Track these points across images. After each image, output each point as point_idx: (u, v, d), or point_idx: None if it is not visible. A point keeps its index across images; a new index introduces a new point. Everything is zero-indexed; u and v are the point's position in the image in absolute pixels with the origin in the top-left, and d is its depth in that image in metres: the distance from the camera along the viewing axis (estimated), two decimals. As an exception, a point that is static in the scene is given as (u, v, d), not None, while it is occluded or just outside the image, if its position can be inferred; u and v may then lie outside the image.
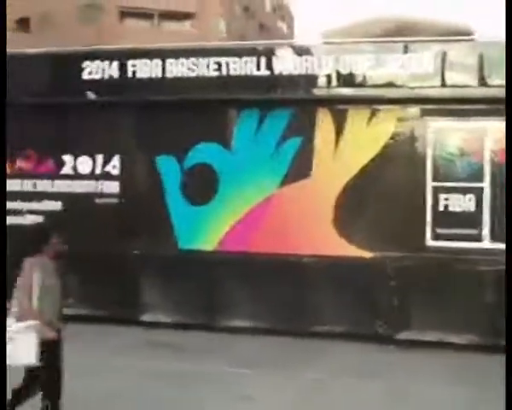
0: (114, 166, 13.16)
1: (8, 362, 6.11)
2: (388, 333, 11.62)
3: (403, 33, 13.17)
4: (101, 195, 13.19)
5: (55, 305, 6.65)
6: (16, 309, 6.44)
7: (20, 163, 13.56)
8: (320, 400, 8.65)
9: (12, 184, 13.48)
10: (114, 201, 13.16)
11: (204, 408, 8.20)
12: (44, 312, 6.42)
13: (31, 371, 6.47)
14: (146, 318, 12.77)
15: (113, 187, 13.15)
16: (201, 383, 9.02)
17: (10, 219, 13.42)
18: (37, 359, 6.19)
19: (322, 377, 9.45)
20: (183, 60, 12.96)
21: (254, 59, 12.63)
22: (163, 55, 13.21)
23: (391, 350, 11.13)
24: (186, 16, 49.96)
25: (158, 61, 13.04)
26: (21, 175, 13.53)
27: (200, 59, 12.88)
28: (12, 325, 6.24)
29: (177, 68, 12.95)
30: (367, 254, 11.77)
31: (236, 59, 12.68)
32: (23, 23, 51.17)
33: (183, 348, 11.05)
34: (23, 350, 6.09)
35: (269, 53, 12.65)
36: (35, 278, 6.45)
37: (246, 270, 12.34)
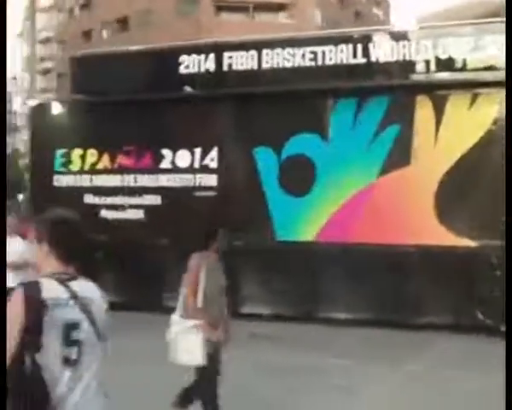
0: (212, 159, 13.25)
1: (172, 360, 6.02)
2: (493, 324, 11.23)
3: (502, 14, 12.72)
4: (200, 188, 13.31)
5: (221, 304, 6.36)
6: (181, 307, 6.22)
7: (121, 159, 13.83)
8: (418, 392, 8.45)
9: (113, 180, 13.80)
10: (212, 193, 13.25)
11: (303, 399, 8.14)
12: (210, 311, 6.11)
13: (199, 371, 6.14)
14: (245, 310, 12.78)
15: (211, 180, 13.24)
16: (301, 375, 8.97)
17: (113, 214, 13.79)
18: (204, 359, 5.95)
19: (423, 369, 9.23)
20: (278, 50, 12.93)
21: (350, 47, 12.47)
22: (259, 46, 13.21)
23: (494, 342, 10.76)
24: (281, 7, 49.92)
25: (254, 53, 13.05)
26: (122, 170, 13.80)
27: (296, 49, 12.81)
28: (177, 323, 6.10)
29: (273, 59, 12.93)
30: (470, 243, 11.43)
31: (332, 47, 12.55)
32: (122, 22, 52.38)
33: (283, 340, 11.01)
34: (188, 350, 5.93)
35: (365, 40, 12.45)
36: (202, 275, 6.19)
37: (345, 261, 12.19)
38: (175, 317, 6.18)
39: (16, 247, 9.21)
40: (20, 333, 2.99)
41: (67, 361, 3.10)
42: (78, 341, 3.13)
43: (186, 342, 5.93)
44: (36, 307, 3.02)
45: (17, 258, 9.03)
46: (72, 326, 3.12)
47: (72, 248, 3.30)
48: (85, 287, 3.25)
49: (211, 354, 6.05)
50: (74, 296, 3.15)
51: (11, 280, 8.91)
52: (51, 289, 3.10)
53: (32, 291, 3.06)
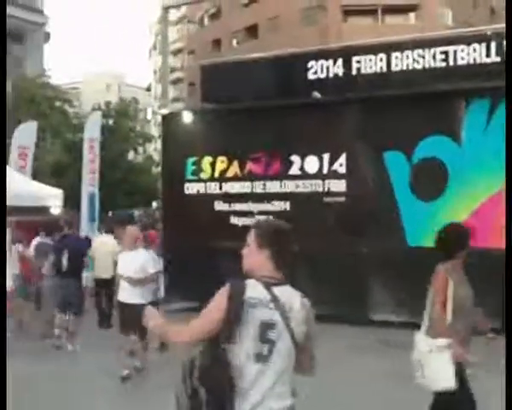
0: (341, 165, 13.13)
1: (421, 383, 5.57)
2: None
3: None
4: (329, 193, 13.21)
5: (468, 319, 5.59)
6: (427, 324, 5.68)
7: (250, 166, 13.94)
8: None
9: (243, 187, 13.93)
10: (341, 199, 13.12)
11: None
12: (458, 328, 5.45)
13: (446, 396, 5.48)
14: (377, 317, 12.58)
15: (340, 185, 13.12)
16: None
17: (242, 221, 13.91)
18: (455, 383, 5.32)
19: None
20: (408, 52, 12.67)
21: (484, 45, 12.03)
22: (387, 48, 12.99)
23: None
24: (410, 8, 49.05)
25: (382, 56, 12.85)
26: (251, 177, 13.90)
27: (426, 50, 12.50)
28: (424, 342, 5.60)
29: (403, 61, 12.67)
30: None
31: (464, 47, 12.16)
32: (251, 30, 53.06)
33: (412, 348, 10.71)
34: (439, 372, 5.37)
35: (499, 38, 11.97)
36: (449, 288, 5.59)
37: (478, 267, 11.72)
38: (420, 335, 5.71)
39: (138, 257, 9.31)
40: (219, 323, 3.43)
41: (258, 357, 3.43)
42: (271, 340, 3.45)
43: (437, 363, 5.40)
44: (238, 304, 3.43)
45: (138, 268, 9.12)
46: (268, 326, 3.45)
47: (287, 257, 3.62)
48: (287, 293, 3.54)
49: (461, 376, 5.45)
50: (275, 300, 3.48)
51: (127, 294, 9.15)
52: (255, 291, 3.48)
53: (237, 290, 3.48)
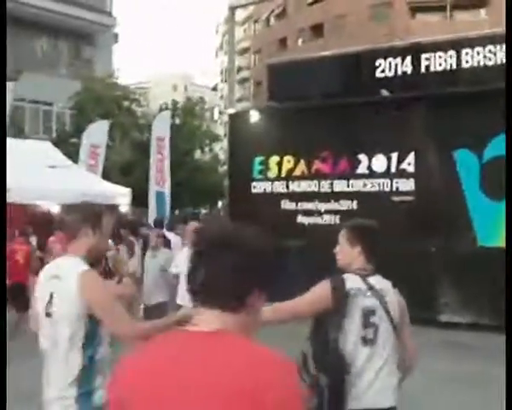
0: (409, 164, 12.95)
1: None
2: None
3: None
4: (397, 193, 13.05)
5: None
6: None
7: (317, 165, 13.88)
8: None
9: (310, 186, 13.88)
10: (410, 198, 12.95)
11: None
12: None
13: None
14: (444, 318, 12.38)
15: (408, 184, 12.95)
16: (495, 386, 8.51)
17: (309, 220, 13.87)
18: None
19: None
20: (478, 49, 12.42)
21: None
22: (457, 45, 12.76)
23: None
24: (480, 4, 48.16)
25: (452, 53, 12.62)
26: (318, 176, 13.85)
27: (498, 46, 12.23)
28: None
29: (473, 58, 12.44)
30: None
31: (538, 42, 11.84)
32: (317, 29, 52.92)
33: (479, 350, 10.53)
34: None
35: None
36: None
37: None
38: None
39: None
40: (323, 315, 3.89)
41: (365, 341, 3.89)
42: (374, 324, 3.94)
43: None
44: (342, 296, 3.91)
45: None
46: (369, 312, 3.94)
47: (376, 251, 4.15)
48: (380, 282, 4.08)
49: None
50: (371, 288, 3.99)
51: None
52: (353, 282, 3.98)
53: (338, 284, 3.96)
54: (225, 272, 2.04)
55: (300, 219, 13.95)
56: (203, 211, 37.76)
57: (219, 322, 2.06)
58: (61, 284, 3.64)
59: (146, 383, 2.02)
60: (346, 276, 4.02)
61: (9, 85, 16.05)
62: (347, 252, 4.13)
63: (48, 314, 3.69)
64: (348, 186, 13.53)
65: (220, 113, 73.11)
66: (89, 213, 3.88)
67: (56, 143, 22.93)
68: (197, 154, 37.35)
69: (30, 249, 13.12)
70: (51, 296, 3.67)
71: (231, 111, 17.04)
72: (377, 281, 4.06)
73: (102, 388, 3.52)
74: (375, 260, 4.13)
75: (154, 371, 2.03)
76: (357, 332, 3.89)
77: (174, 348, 2.07)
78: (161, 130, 21.61)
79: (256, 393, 1.91)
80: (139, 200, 20.13)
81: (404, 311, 4.16)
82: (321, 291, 3.97)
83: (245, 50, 77.83)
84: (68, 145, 26.59)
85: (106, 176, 20.63)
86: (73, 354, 3.60)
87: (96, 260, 3.86)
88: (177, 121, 34.09)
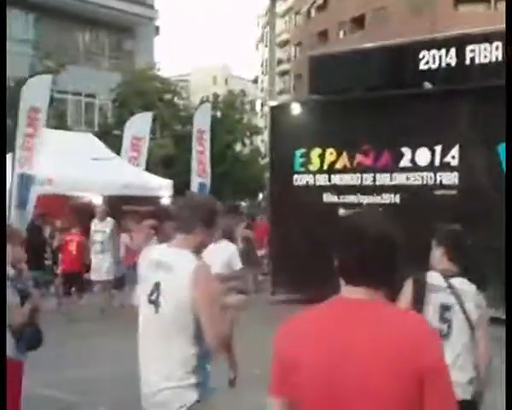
0: (453, 157, 12.79)
1: None
2: None
3: None
4: (440, 186, 12.90)
5: None
6: None
7: (360, 158, 13.79)
8: None
9: (352, 179, 13.80)
10: (453, 192, 12.79)
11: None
12: None
13: None
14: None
15: (452, 178, 12.79)
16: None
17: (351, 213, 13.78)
18: None
19: None
20: (526, 40, 12.18)
21: None
22: (503, 37, 12.53)
23: None
24: (525, -5, 47.32)
25: (498, 44, 12.41)
26: (361, 169, 13.75)
27: (545, 37, 11.99)
28: None
29: (520, 50, 12.21)
30: None
31: None
32: (358, 21, 52.52)
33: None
34: None
35: None
36: None
37: None
38: None
39: (223, 249, 8.40)
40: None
41: (440, 335, 3.96)
42: (448, 320, 4.30)
43: None
44: (420, 287, 4.36)
45: (226, 260, 8.25)
46: (445, 308, 4.31)
47: (460, 254, 4.47)
48: (462, 283, 4.36)
49: None
50: (450, 287, 4.33)
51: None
52: (434, 279, 4.38)
53: (419, 277, 4.41)
54: (379, 257, 2.32)
55: (342, 212, 13.88)
56: (243, 203, 37.77)
57: (370, 296, 2.30)
58: (172, 275, 3.67)
59: (312, 344, 2.26)
60: (429, 273, 4.45)
61: (48, 79, 16.16)
62: (432, 253, 4.57)
63: (153, 302, 3.72)
64: (391, 179, 13.41)
65: (262, 105, 73.00)
66: (208, 213, 3.92)
67: (98, 136, 23.13)
68: (238, 146, 37.37)
69: (82, 240, 13.41)
70: (157, 285, 3.71)
71: (273, 104, 17.02)
72: (460, 282, 4.36)
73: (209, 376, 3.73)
74: (461, 262, 4.44)
75: (319, 334, 2.28)
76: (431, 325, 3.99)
77: (337, 312, 2.31)
78: (202, 122, 21.59)
79: (413, 354, 2.14)
80: (181, 192, 20.17)
81: (484, 315, 4.40)
82: (407, 285, 4.39)
83: (285, 43, 77.69)
84: (110, 137, 26.77)
85: (147, 168, 20.73)
86: (186, 344, 3.64)
87: (197, 255, 3.88)
88: (218, 114, 34.17)
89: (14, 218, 13.57)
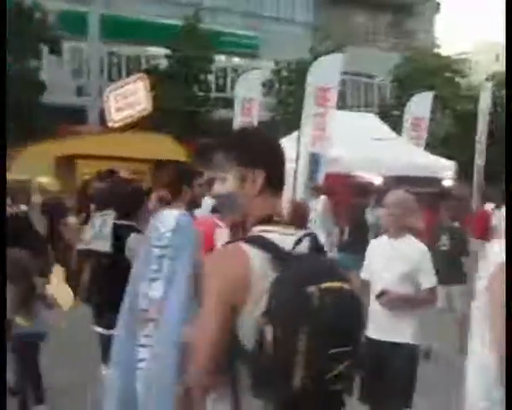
0: None
1: None
2: None
3: None
4: None
5: None
6: None
7: None
8: None
9: None
10: None
11: None
12: None
13: None
14: None
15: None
16: None
17: None
18: None
19: None
20: None
21: None
22: None
23: None
24: None
25: None
26: None
27: None
28: None
29: None
30: None
31: None
32: None
33: None
34: None
35: None
36: None
37: None
38: None
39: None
40: None
41: None
42: None
43: None
44: None
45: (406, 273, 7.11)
46: None
47: None
48: None
49: None
50: None
51: (382, 322, 7.62)
52: None
53: None
54: None
55: None
56: None
57: None
58: None
59: None
60: None
61: (338, 57, 16.20)
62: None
63: None
64: None
65: None
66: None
67: (378, 116, 23.20)
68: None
69: None
70: None
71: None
72: None
73: None
74: None
75: None
76: None
77: None
78: (485, 102, 21.02)
79: None
80: (461, 174, 19.63)
81: None
82: None
83: None
84: (389, 118, 26.72)
85: (428, 148, 20.45)
86: None
87: None
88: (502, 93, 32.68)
89: (300, 197, 13.89)
